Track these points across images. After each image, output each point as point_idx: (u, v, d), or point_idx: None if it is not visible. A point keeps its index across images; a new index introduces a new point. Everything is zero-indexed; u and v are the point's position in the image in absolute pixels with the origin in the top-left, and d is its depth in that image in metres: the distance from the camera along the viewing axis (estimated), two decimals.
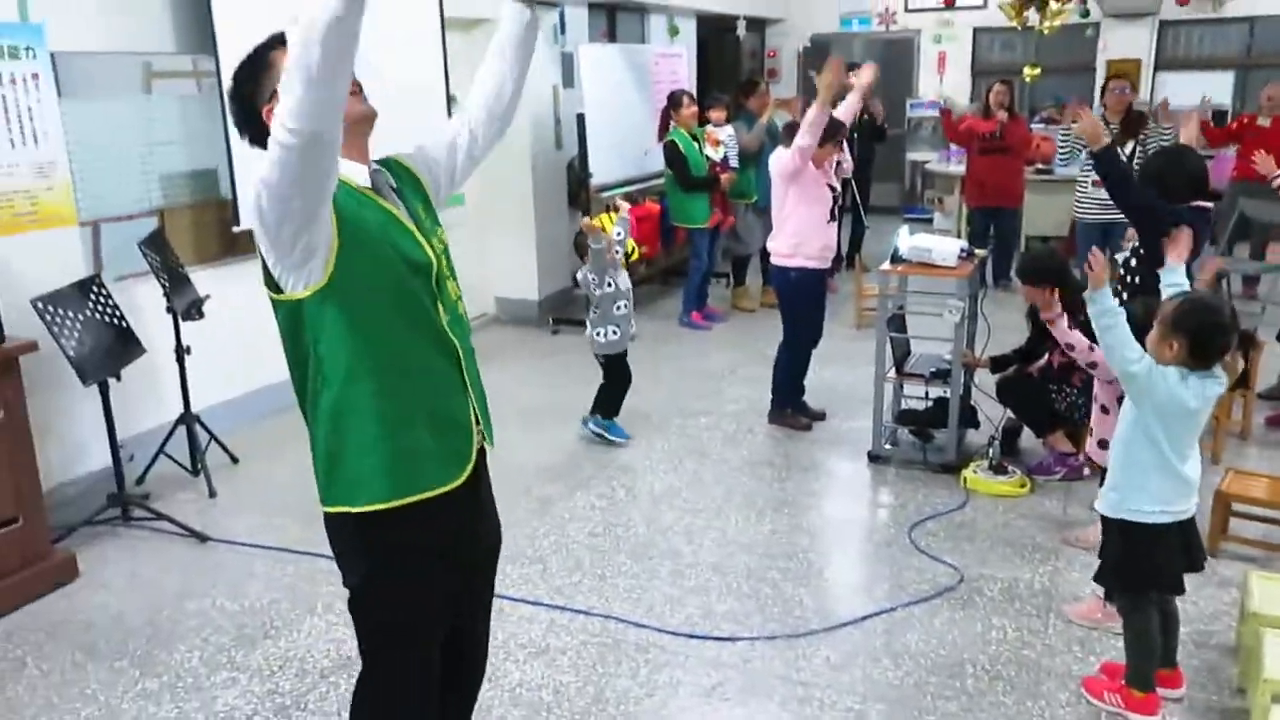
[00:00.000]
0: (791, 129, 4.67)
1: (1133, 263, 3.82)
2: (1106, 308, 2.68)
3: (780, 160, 4.55)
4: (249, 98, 1.87)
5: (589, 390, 5.62)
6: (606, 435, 4.71)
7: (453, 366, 1.98)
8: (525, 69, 2.15)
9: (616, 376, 4.69)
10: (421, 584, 1.96)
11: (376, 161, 2.01)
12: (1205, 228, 3.68)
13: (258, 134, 1.89)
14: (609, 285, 4.49)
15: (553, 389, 5.69)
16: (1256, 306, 6.91)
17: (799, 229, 4.62)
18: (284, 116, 1.63)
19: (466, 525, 2.03)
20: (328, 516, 1.95)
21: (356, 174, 1.92)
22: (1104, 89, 6.52)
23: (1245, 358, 4.16)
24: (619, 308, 4.54)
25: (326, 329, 1.84)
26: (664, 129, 6.77)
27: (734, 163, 6.84)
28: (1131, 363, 2.66)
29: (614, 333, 4.55)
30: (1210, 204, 3.78)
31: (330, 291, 1.82)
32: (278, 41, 1.84)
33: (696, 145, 6.67)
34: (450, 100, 6.50)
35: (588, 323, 4.58)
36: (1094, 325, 2.69)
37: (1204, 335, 2.64)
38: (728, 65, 11.20)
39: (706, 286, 7.09)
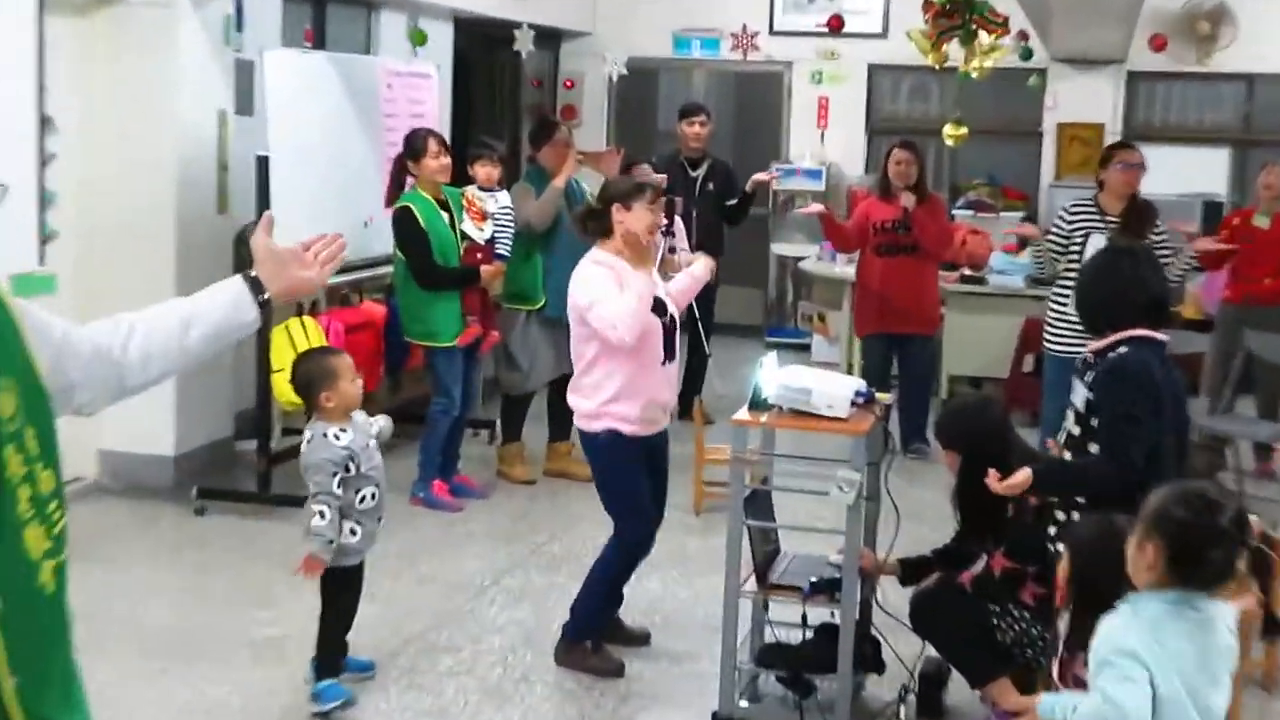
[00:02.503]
0: (595, 214, 5.00)
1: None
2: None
3: (585, 289, 4.84)
4: None
5: (262, 612, 5.40)
6: (322, 710, 4.59)
7: None
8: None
9: (343, 598, 4.69)
10: None
11: None
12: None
13: None
14: (349, 463, 4.55)
15: (199, 607, 5.55)
16: (1275, 488, 7.53)
17: (610, 378, 4.87)
18: None
19: None
20: None
21: None
22: (1104, 160, 6.87)
23: (1263, 583, 3.73)
24: (364, 497, 4.57)
25: None
26: (396, 189, 6.90)
27: (506, 249, 7.04)
28: None
29: (352, 532, 4.58)
30: (1165, 337, 4.25)
31: None
32: None
33: (446, 217, 6.82)
34: (45, 123, 6.37)
35: (307, 509, 4.56)
36: None
37: (1190, 542, 2.91)
38: (503, 96, 11.59)
39: (457, 443, 7.14)
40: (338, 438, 4.54)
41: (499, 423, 7.64)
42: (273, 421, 6.99)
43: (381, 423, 4.78)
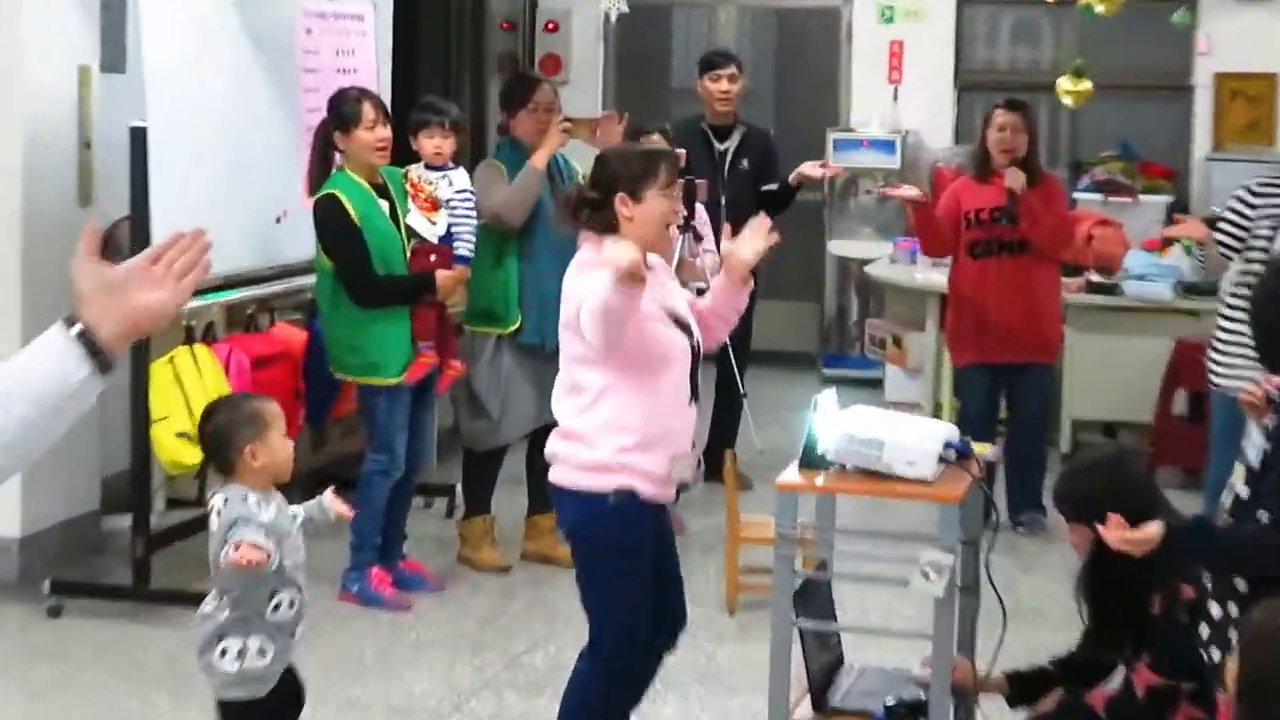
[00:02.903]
0: (591, 202, 4.93)
1: None
2: None
3: (578, 297, 4.78)
4: None
5: None
6: None
7: None
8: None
9: None
10: None
11: None
12: None
13: None
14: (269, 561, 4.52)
15: None
16: None
17: (625, 416, 4.82)
18: None
19: None
20: None
21: None
22: None
23: None
24: (280, 604, 4.59)
25: None
26: (320, 171, 6.93)
27: (467, 247, 7.04)
28: None
29: (261, 652, 4.58)
30: None
31: None
32: None
33: (386, 208, 6.85)
34: None
35: (203, 612, 4.58)
36: None
37: None
38: (462, 44, 11.59)
39: (403, 516, 7.15)
40: (259, 506, 4.54)
41: (460, 489, 7.62)
42: (153, 490, 6.98)
43: (318, 506, 4.76)
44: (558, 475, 4.91)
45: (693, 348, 4.92)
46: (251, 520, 4.46)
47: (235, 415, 4.66)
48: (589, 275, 4.74)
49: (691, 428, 4.99)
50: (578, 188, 5.18)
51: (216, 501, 4.57)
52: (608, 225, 4.84)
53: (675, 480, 4.90)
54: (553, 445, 4.96)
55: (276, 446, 4.60)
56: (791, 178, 8.55)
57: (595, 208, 4.88)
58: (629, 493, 4.79)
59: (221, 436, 4.65)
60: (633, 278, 4.47)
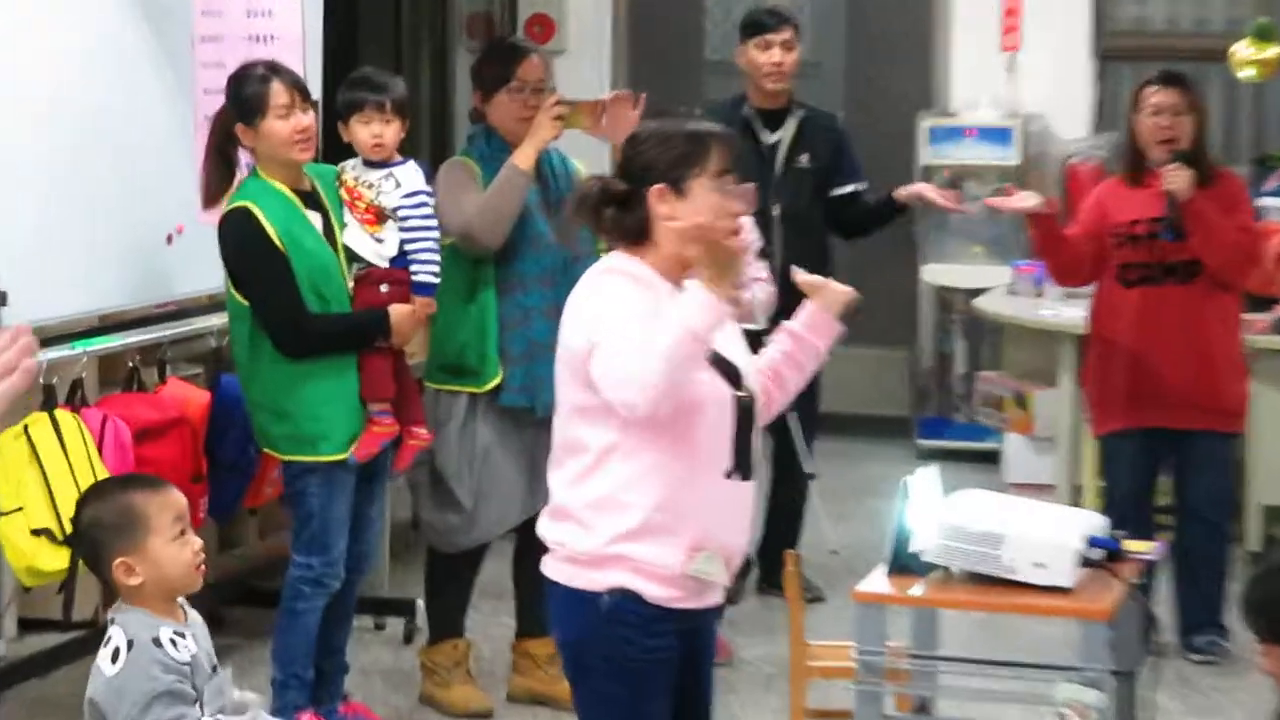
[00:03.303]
0: (617, 198, 4.88)
1: None
2: None
3: (593, 315, 4.76)
4: None
5: None
6: None
7: None
8: None
9: None
10: None
11: None
12: None
13: None
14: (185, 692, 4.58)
15: None
16: None
17: (628, 485, 4.81)
18: None
19: None
20: None
21: None
22: None
23: None
24: None
25: None
26: (220, 176, 6.94)
27: (429, 271, 6.98)
28: None
29: None
30: None
31: None
32: None
33: (317, 222, 6.86)
34: None
35: None
36: None
37: None
38: (419, 2, 11.72)
39: (342, 640, 7.14)
40: (173, 642, 4.55)
41: (422, 604, 7.64)
42: (0, 607, 7.00)
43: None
44: (548, 567, 4.88)
45: (741, 405, 4.87)
46: (178, 695, 4.47)
47: (101, 513, 4.66)
48: (603, 281, 4.80)
49: (738, 512, 4.91)
50: (600, 180, 5.06)
51: (116, 637, 4.56)
52: (639, 229, 4.83)
53: (697, 578, 4.80)
54: (542, 526, 4.94)
55: (162, 556, 4.58)
56: (902, 194, 8.53)
57: (623, 206, 4.84)
58: (627, 594, 4.77)
59: (88, 543, 4.68)
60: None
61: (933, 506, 4.65)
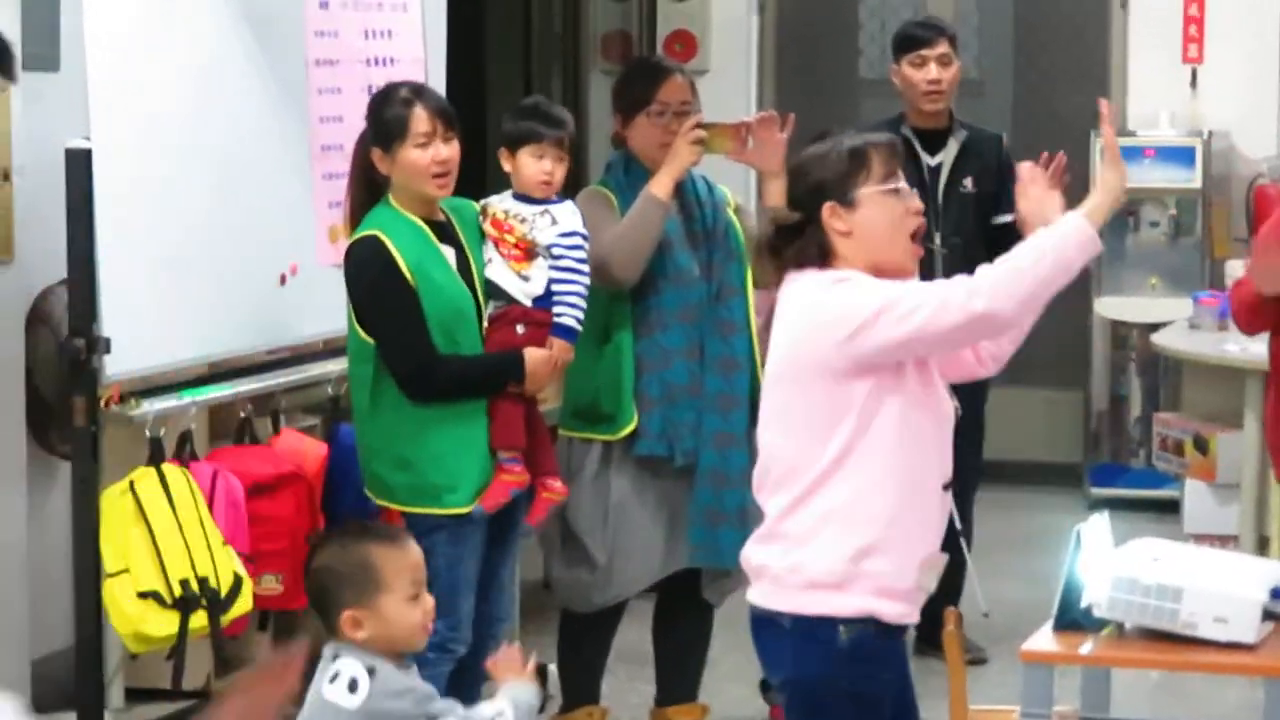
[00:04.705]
0: (786, 231, 4.90)
1: None
2: None
3: (857, 292, 4.84)
4: None
5: None
6: None
7: None
8: None
9: None
10: None
11: None
12: None
13: None
14: None
15: None
16: None
17: (867, 498, 4.86)
18: None
19: None
20: None
21: None
22: None
23: None
24: None
25: None
26: (363, 202, 6.92)
27: (574, 316, 6.93)
28: None
29: None
30: None
31: None
32: None
33: (452, 257, 6.84)
34: None
35: None
36: None
37: None
38: (549, 21, 11.81)
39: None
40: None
41: (554, 669, 7.62)
42: (107, 677, 6.98)
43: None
44: (766, 598, 4.87)
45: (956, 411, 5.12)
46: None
47: (336, 562, 4.82)
48: (863, 279, 4.85)
49: (943, 523, 5.05)
50: (770, 219, 5.19)
51: (348, 668, 4.65)
52: (822, 252, 4.89)
53: (924, 591, 4.93)
54: (750, 552, 4.96)
55: (392, 615, 4.70)
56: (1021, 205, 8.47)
57: (800, 233, 4.91)
58: (873, 622, 4.82)
59: (317, 588, 4.83)
60: None
61: (1105, 559, 4.60)
